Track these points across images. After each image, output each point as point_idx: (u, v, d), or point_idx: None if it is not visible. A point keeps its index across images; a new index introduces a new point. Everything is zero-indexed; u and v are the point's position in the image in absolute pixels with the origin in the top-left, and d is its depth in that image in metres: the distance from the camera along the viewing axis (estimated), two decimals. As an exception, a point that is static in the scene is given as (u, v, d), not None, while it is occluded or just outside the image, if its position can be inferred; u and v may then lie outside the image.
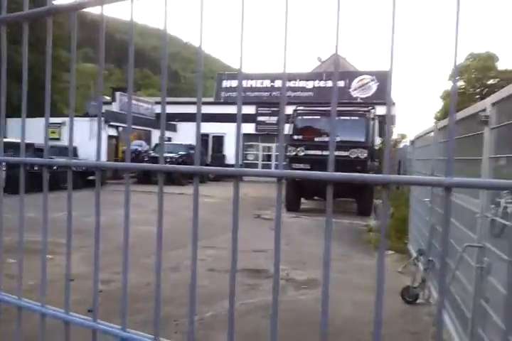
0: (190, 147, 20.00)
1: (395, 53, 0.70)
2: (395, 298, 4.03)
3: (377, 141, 13.16)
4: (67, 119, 1.69)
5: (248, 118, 22.48)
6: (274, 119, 23.66)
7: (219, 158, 23.58)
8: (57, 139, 16.60)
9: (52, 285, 1.57)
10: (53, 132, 16.79)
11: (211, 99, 26.27)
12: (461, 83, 43.49)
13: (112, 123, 18.54)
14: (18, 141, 1.97)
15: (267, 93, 25.48)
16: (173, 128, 23.38)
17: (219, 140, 24.16)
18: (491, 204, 2.61)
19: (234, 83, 26.22)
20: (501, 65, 41.24)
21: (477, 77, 41.01)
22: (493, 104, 2.68)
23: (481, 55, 41.58)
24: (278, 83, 25.28)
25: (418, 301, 4.23)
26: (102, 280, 1.71)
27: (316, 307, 3.48)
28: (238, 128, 0.83)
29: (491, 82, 37.25)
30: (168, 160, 17.58)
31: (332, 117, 0.76)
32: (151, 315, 1.11)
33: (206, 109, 20.73)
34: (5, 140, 1.95)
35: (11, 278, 1.70)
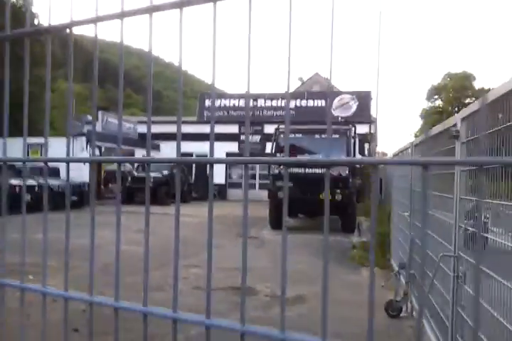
0: (174, 166, 19.98)
1: (375, 74, 0.78)
2: (378, 312, 4.06)
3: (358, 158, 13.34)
4: (49, 139, 1.73)
5: (231, 138, 22.61)
6: (256, 138, 23.86)
7: (204, 178, 23.54)
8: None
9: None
10: (35, 152, 16.61)
11: (194, 119, 26.39)
12: (439, 102, 44.67)
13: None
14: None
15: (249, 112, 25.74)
16: (157, 148, 23.35)
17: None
18: (465, 217, 2.72)
19: (217, 103, 26.44)
20: (478, 84, 42.54)
21: (455, 96, 42.09)
22: (463, 119, 2.81)
23: (458, 74, 42.81)
24: (260, 102, 25.59)
25: (401, 315, 4.29)
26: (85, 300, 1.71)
27: (301, 322, 3.51)
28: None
29: (468, 100, 38.32)
30: (151, 179, 17.53)
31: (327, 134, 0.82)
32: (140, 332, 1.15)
33: (189, 129, 20.82)
34: None
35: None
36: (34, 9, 25.53)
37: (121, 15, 1.00)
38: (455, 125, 2.97)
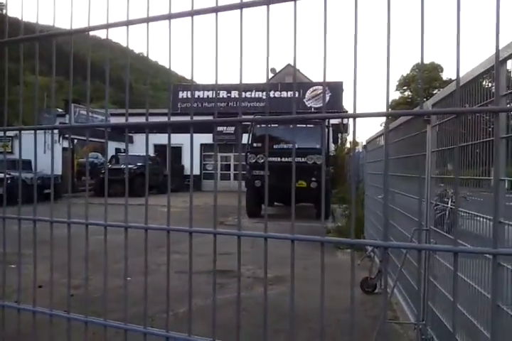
0: (149, 158, 19.76)
1: (345, 64, 0.85)
2: (356, 289, 4.28)
3: (332, 147, 13.53)
4: (22, 132, 1.75)
5: (205, 129, 22.50)
6: (231, 129, 23.83)
7: (178, 169, 23.42)
8: (10, 152, 15.97)
9: (26, 291, 1.61)
10: (6, 145, 16.15)
11: (166, 110, 26.13)
12: (408, 93, 45.51)
13: (66, 136, 18.09)
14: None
15: (223, 103, 25.64)
16: (130, 140, 23.07)
17: (176, 150, 24.03)
18: (435, 194, 2.91)
19: (190, 94, 26.25)
20: (445, 75, 43.48)
21: (423, 87, 42.94)
22: (433, 105, 2.97)
23: (426, 65, 43.67)
24: (234, 94, 25.54)
25: (376, 291, 4.56)
26: (72, 286, 1.75)
27: (282, 300, 3.64)
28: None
29: (436, 91, 39.27)
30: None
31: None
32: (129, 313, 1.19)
33: (163, 120, 20.56)
34: None
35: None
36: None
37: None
38: (426, 110, 3.15)
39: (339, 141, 20.44)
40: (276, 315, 3.61)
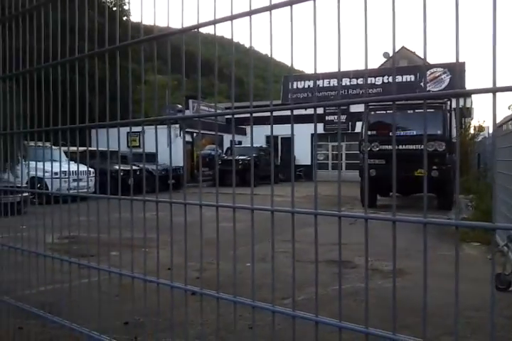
0: (261, 149, 20.24)
1: (467, 42, 0.75)
2: (486, 285, 3.91)
3: (454, 133, 12.54)
4: (146, 128, 1.91)
5: (316, 119, 22.33)
6: (342, 118, 23.33)
7: (289, 159, 23.67)
8: (138, 147, 17.48)
9: (160, 273, 1.74)
10: (134, 140, 17.71)
11: (279, 102, 26.46)
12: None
13: (187, 130, 19.29)
14: (105, 149, 2.16)
15: (334, 92, 25.18)
16: (243, 132, 23.86)
17: (288, 141, 24.26)
18: None
19: (300, 84, 26.20)
20: None
21: None
22: None
23: None
24: (345, 81, 24.88)
25: (511, 288, 4.14)
26: (196, 269, 1.86)
27: (402, 293, 3.50)
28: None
29: None
30: (240, 162, 17.97)
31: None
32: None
33: (274, 112, 20.89)
34: (92, 149, 2.17)
35: (116, 267, 1.90)
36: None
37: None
38: None
39: (462, 126, 18.86)
40: (398, 310, 3.48)
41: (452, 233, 7.10)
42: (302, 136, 18.81)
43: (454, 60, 0.94)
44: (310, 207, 1.42)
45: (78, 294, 2.30)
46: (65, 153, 2.51)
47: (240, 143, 22.99)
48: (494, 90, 0.81)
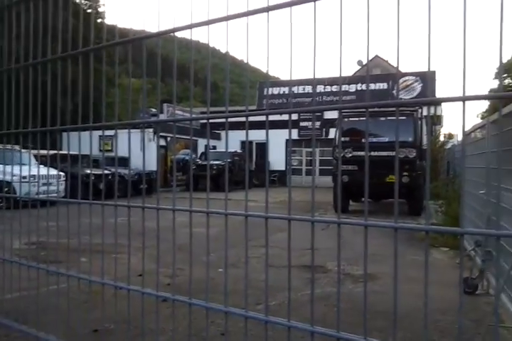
0: (235, 154, 20.23)
1: (438, 52, 0.78)
2: (454, 289, 4.03)
3: (425, 140, 12.85)
4: (119, 131, 1.89)
5: (291, 124, 22.51)
6: (317, 124, 23.57)
7: (263, 165, 23.72)
8: (110, 150, 17.24)
9: (131, 279, 1.71)
10: (106, 144, 17.48)
11: (254, 107, 26.53)
12: (508, 81, 41.62)
13: (161, 134, 19.09)
14: (76, 153, 2.12)
15: (308, 99, 25.43)
16: (218, 137, 23.79)
17: (263, 147, 24.35)
18: None
19: (275, 90, 26.39)
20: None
21: (529, 71, 39.07)
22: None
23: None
24: (320, 88, 25.18)
25: (477, 292, 4.26)
26: (167, 275, 1.84)
27: (373, 297, 3.54)
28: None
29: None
30: (214, 167, 17.91)
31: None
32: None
33: (249, 117, 20.95)
34: (62, 152, 2.12)
35: (86, 274, 1.86)
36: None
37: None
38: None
39: (433, 134, 19.34)
40: (368, 314, 3.52)
41: (421, 238, 7.26)
42: (277, 141, 18.89)
43: (426, 69, 0.97)
44: (284, 213, 1.43)
45: (46, 301, 2.24)
46: (35, 156, 2.45)
47: (214, 147, 22.92)
48: (464, 99, 0.84)
